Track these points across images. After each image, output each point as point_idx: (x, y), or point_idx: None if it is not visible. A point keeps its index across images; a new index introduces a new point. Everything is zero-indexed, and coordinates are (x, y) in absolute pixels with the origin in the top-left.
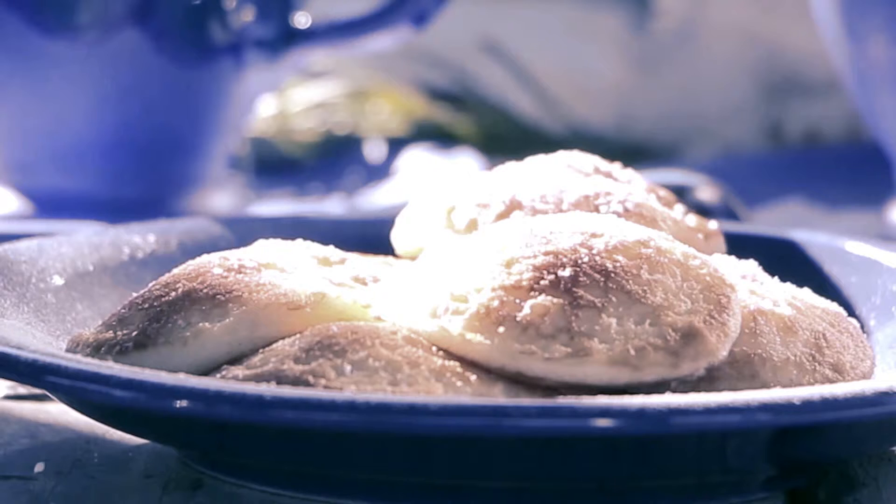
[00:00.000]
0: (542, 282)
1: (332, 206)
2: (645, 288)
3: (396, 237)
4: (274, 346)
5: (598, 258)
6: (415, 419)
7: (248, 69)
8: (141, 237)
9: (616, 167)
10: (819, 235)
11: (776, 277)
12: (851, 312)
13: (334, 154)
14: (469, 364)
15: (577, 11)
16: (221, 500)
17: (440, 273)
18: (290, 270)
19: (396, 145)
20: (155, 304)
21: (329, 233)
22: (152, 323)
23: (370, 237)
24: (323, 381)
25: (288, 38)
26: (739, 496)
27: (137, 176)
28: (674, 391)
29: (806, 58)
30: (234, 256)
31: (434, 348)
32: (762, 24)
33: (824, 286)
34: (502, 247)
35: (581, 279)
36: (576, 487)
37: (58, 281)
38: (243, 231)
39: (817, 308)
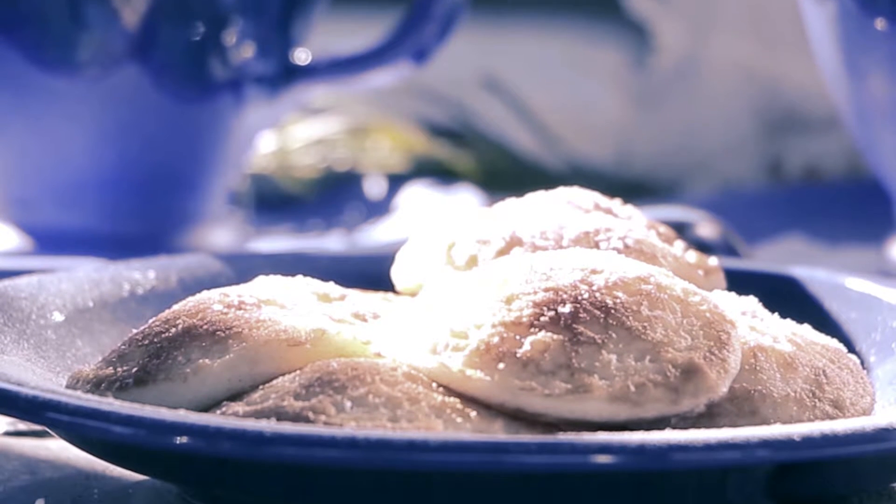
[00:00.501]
0: (542, 318)
1: (332, 242)
2: (645, 324)
3: (396, 273)
4: (274, 382)
5: (598, 294)
6: (415, 455)
7: (248, 105)
8: (141, 273)
9: (616, 203)
10: (819, 272)
11: (776, 314)
12: (851, 349)
13: (334, 190)
14: (469, 400)
15: (577, 48)
16: None
17: (440, 309)
18: (290, 307)
19: (396, 181)
20: (155, 340)
21: (329, 269)
22: (152, 359)
23: (370, 273)
24: (323, 418)
25: (288, 75)
26: None
27: (137, 212)
28: (674, 427)
29: (806, 94)
30: (234, 293)
31: (434, 385)
32: (762, 61)
33: (824, 322)
34: (502, 283)
35: (581, 315)
36: None
37: (58, 317)
38: (243, 267)
39: (817, 344)
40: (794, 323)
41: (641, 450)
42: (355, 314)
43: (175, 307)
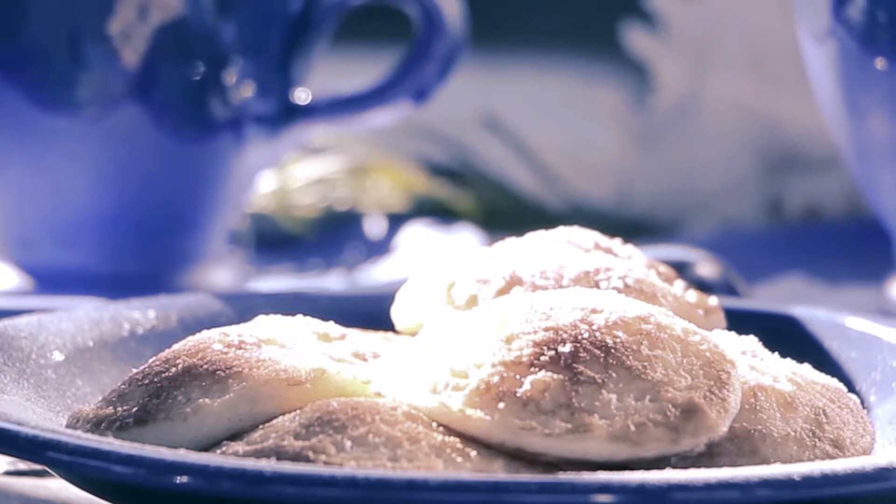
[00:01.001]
0: (542, 357)
1: (332, 281)
2: (645, 364)
3: (396, 313)
4: (274, 421)
5: (598, 334)
6: (415, 495)
7: (248, 145)
8: (141, 313)
9: (616, 243)
10: (819, 311)
11: (776, 353)
12: (851, 388)
13: (334, 230)
14: (469, 440)
15: (577, 87)
16: None
17: (440, 349)
18: (290, 346)
19: (396, 221)
20: (155, 379)
21: (329, 308)
22: (152, 398)
23: (370, 313)
24: (323, 457)
25: (288, 114)
26: None
27: (137, 251)
28: (674, 467)
29: (806, 133)
30: (235, 332)
31: (434, 424)
32: (762, 100)
33: (824, 362)
34: (502, 322)
35: (581, 355)
36: None
37: (58, 356)
38: (243, 307)
39: (817, 384)
40: (794, 362)
41: (642, 489)
42: (355, 353)
43: (175, 347)
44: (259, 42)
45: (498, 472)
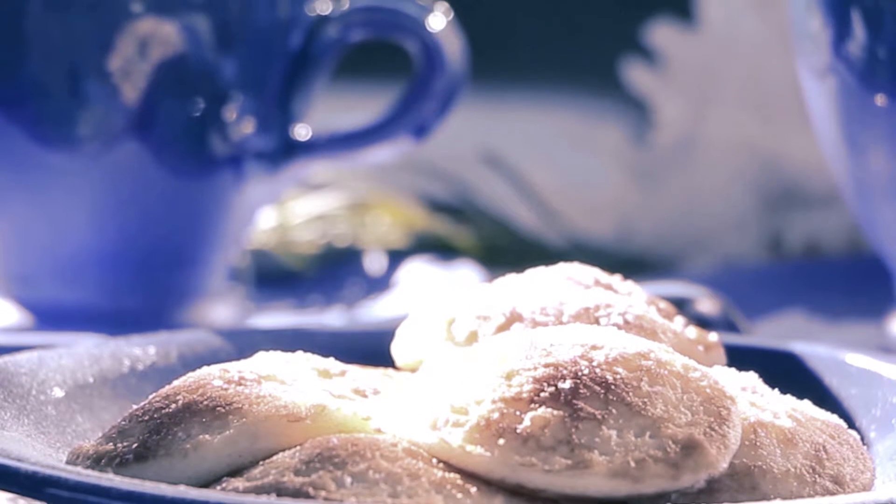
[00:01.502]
0: (542, 394)
1: (332, 318)
2: (645, 400)
3: (396, 349)
4: (274, 458)
5: (598, 370)
6: None
7: (248, 181)
8: (141, 349)
9: (616, 279)
10: (819, 347)
11: (776, 389)
12: (851, 424)
13: (334, 266)
14: (469, 476)
15: (577, 124)
16: None
17: (440, 385)
18: (290, 382)
19: (396, 257)
20: (155, 416)
21: (329, 345)
22: (152, 435)
23: (370, 349)
24: (323, 493)
25: (288, 150)
26: None
27: (137, 288)
28: (674, 503)
29: (806, 170)
30: (235, 368)
31: (434, 460)
32: (762, 137)
33: (824, 398)
34: (502, 359)
35: (581, 391)
36: None
37: (58, 393)
38: (243, 343)
39: (817, 420)
40: (794, 398)
41: None
42: (355, 390)
43: (175, 383)
44: (259, 78)
45: None
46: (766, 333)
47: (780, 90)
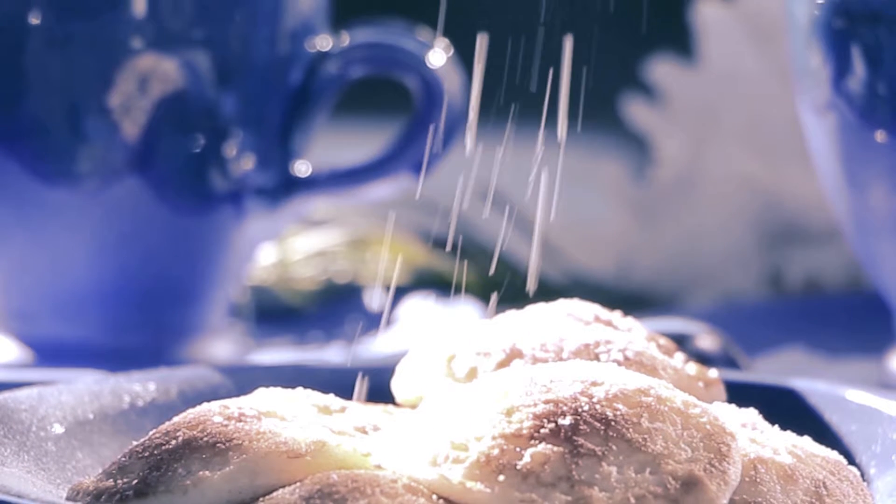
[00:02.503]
0: (542, 430)
1: (332, 354)
2: (645, 436)
3: (397, 385)
4: (274, 494)
5: (598, 406)
6: None
7: (248, 217)
8: (141, 385)
9: (616, 315)
10: (819, 384)
11: (776, 425)
12: (852, 461)
13: (334, 302)
14: None
15: (577, 160)
16: None
17: (440, 421)
18: (290, 419)
19: (397, 294)
20: (155, 452)
21: (329, 381)
22: (152, 471)
23: (371, 386)
24: None
25: (288, 187)
26: None
27: (138, 324)
28: None
29: (806, 206)
30: (235, 405)
31: (434, 497)
32: (762, 173)
33: (824, 434)
34: (503, 395)
35: (581, 427)
36: None
37: (58, 429)
38: (244, 379)
39: (817, 456)
40: (794, 435)
41: None
42: (356, 426)
43: (175, 419)
44: (259, 114)
45: None
46: (767, 370)
47: (780, 126)
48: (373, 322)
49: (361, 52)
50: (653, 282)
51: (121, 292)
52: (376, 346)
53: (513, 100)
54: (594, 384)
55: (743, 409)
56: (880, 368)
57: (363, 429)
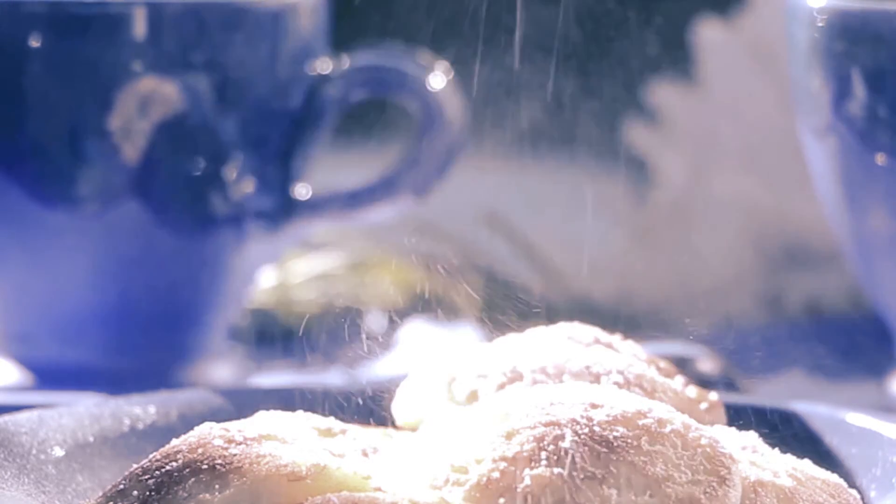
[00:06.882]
0: (542, 452)
1: (332, 377)
2: (645, 459)
3: (397, 408)
4: None
5: (598, 429)
6: None
7: (248, 240)
8: (141, 408)
9: (616, 338)
10: (820, 407)
11: (776, 448)
12: (852, 484)
13: (335, 325)
14: None
15: (577, 183)
16: None
17: (440, 444)
18: (290, 441)
19: (397, 317)
20: (156, 475)
21: (330, 404)
22: (153, 494)
23: (371, 408)
24: None
25: (288, 210)
26: None
27: (138, 347)
28: None
29: (806, 229)
30: (235, 428)
31: None
32: (762, 195)
33: (825, 457)
34: (503, 418)
35: (581, 450)
36: None
37: (58, 452)
38: (244, 402)
39: (818, 479)
40: (794, 458)
41: None
42: (356, 449)
43: (176, 442)
44: (259, 137)
45: None
46: (767, 393)
47: (781, 149)
48: (373, 345)
49: (362, 75)
50: (653, 305)
51: (121, 315)
52: (377, 370)
53: (514, 126)
54: (594, 407)
55: (743, 432)
56: (881, 391)
57: (363, 451)
